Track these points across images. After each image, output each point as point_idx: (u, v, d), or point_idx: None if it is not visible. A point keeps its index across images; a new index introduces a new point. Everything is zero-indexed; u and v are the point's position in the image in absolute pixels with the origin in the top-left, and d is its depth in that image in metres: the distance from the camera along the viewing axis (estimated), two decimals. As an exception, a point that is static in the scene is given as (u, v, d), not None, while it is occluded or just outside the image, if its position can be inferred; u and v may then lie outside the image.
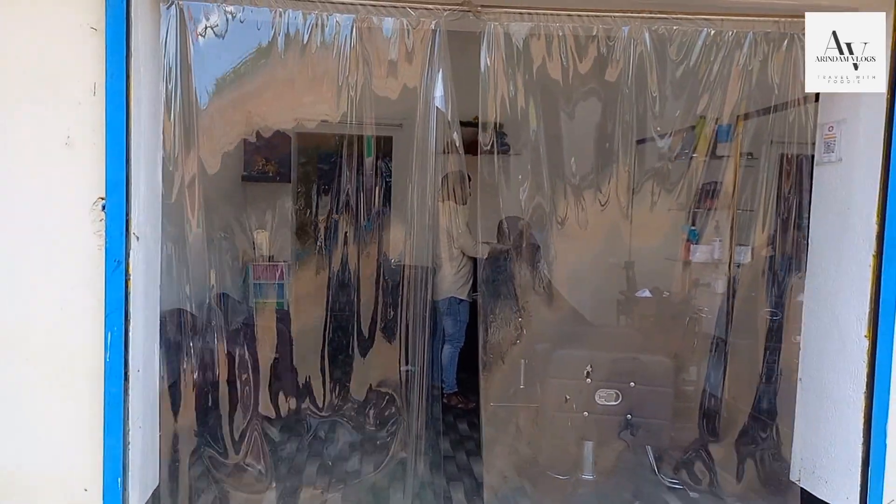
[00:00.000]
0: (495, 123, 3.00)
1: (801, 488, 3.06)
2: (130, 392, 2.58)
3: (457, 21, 2.81)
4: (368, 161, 3.92)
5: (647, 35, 2.92)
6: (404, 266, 3.32)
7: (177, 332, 3.22)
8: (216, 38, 2.86)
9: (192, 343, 3.37)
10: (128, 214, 2.52)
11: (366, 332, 3.82)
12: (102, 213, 2.50)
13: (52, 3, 2.41)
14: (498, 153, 3.06)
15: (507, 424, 3.51)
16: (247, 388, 3.88)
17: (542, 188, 3.18)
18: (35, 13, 2.41)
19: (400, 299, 3.32)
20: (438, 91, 2.88)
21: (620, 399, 3.34)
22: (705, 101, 3.12)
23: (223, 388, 3.66)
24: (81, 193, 2.49)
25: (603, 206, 3.50)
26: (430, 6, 2.74)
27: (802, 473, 3.07)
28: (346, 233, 4.16)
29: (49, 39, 2.42)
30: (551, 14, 2.81)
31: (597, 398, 3.34)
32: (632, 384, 3.36)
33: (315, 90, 3.23)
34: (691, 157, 3.71)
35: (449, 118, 2.96)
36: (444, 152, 3.02)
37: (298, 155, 5.60)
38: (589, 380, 3.37)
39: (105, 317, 2.52)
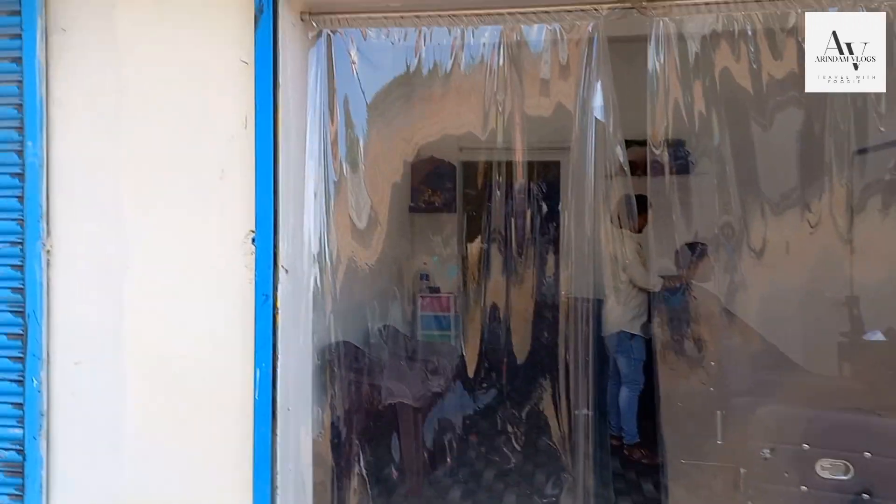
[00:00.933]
0: (667, 139, 2.57)
1: None
2: (279, 431, 2.53)
3: (618, 21, 2.45)
4: (535, 187, 3.67)
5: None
6: (568, 299, 3.00)
7: (339, 366, 3.18)
8: (366, 64, 2.81)
9: (354, 377, 3.32)
10: (276, 247, 2.50)
11: (527, 369, 3.52)
12: (252, 246, 2.50)
13: (207, 39, 2.49)
14: (673, 172, 2.62)
15: (699, 488, 2.97)
16: (406, 426, 3.76)
17: (729, 209, 2.68)
18: (192, 48, 2.51)
19: (561, 334, 3.00)
20: (598, 102, 2.54)
21: (852, 473, 2.65)
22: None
23: (383, 426, 3.56)
24: (234, 226, 2.52)
25: (813, 228, 2.87)
26: (586, 6, 2.43)
27: None
28: (510, 263, 3.95)
29: (205, 74, 2.50)
30: (735, 2, 2.35)
31: (818, 470, 2.68)
32: (867, 454, 2.66)
33: (472, 113, 3.08)
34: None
35: (611, 133, 2.61)
36: (606, 175, 2.65)
37: (464, 184, 5.50)
38: (807, 446, 2.72)
39: (255, 353, 2.50)
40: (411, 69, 2.78)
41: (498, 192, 3.71)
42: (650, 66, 2.48)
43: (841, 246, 3.04)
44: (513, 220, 3.93)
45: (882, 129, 2.59)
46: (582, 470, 2.93)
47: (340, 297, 2.96)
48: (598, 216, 2.73)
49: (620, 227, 3.41)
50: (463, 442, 3.88)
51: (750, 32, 2.47)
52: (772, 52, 2.52)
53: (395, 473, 3.51)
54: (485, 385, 4.15)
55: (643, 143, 2.67)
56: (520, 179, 3.56)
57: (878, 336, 3.18)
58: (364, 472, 3.12)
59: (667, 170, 2.63)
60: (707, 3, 2.38)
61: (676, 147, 2.78)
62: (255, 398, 2.50)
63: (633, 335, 3.98)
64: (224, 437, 2.53)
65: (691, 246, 3.24)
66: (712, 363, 3.11)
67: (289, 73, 2.51)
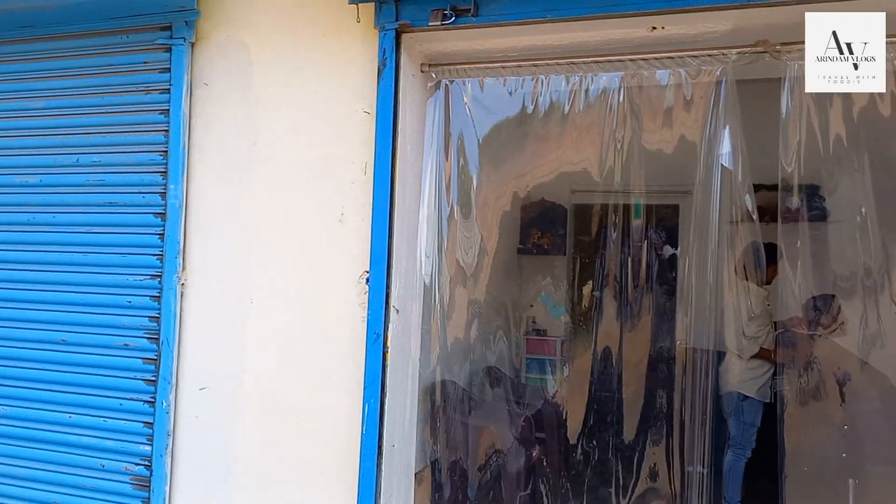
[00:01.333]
0: (800, 184, 2.41)
1: None
2: (384, 467, 2.54)
3: (748, 66, 2.35)
4: (651, 231, 3.55)
5: None
6: (685, 350, 2.85)
7: (443, 405, 3.18)
8: (481, 109, 2.86)
9: (458, 418, 3.30)
10: (388, 287, 2.55)
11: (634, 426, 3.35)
12: (366, 286, 2.57)
13: (333, 91, 2.62)
14: (806, 220, 2.44)
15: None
16: (507, 470, 3.68)
17: (869, 256, 2.46)
18: (319, 100, 2.64)
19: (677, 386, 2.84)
20: (725, 148, 2.43)
21: None
22: None
23: (484, 471, 3.51)
24: (350, 267, 2.60)
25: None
26: (714, 52, 2.34)
27: None
28: (623, 309, 3.81)
29: (330, 124, 2.63)
30: (888, 41, 2.19)
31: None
32: None
33: (587, 157, 3.04)
34: None
35: (739, 179, 2.48)
36: (731, 221, 2.52)
37: (575, 227, 5.41)
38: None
39: (364, 388, 2.55)
40: (527, 112, 2.80)
41: (613, 235, 3.61)
42: (783, 109, 2.35)
43: None
44: (628, 264, 3.81)
45: None
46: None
47: (448, 337, 2.98)
48: (722, 264, 2.59)
49: (746, 279, 3.21)
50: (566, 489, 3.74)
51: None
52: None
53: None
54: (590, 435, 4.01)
55: (773, 188, 2.53)
56: (635, 222, 3.46)
57: None
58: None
59: (802, 216, 2.46)
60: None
61: (810, 193, 2.59)
62: (362, 433, 2.54)
63: (745, 397, 3.71)
64: (331, 471, 2.59)
65: (823, 298, 3.00)
66: (845, 426, 2.84)
67: (407, 121, 2.60)
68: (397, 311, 2.60)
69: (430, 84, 2.70)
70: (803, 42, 2.27)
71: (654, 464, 3.54)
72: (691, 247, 2.61)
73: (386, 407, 2.56)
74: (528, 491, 3.62)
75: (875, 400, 2.90)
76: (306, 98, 2.65)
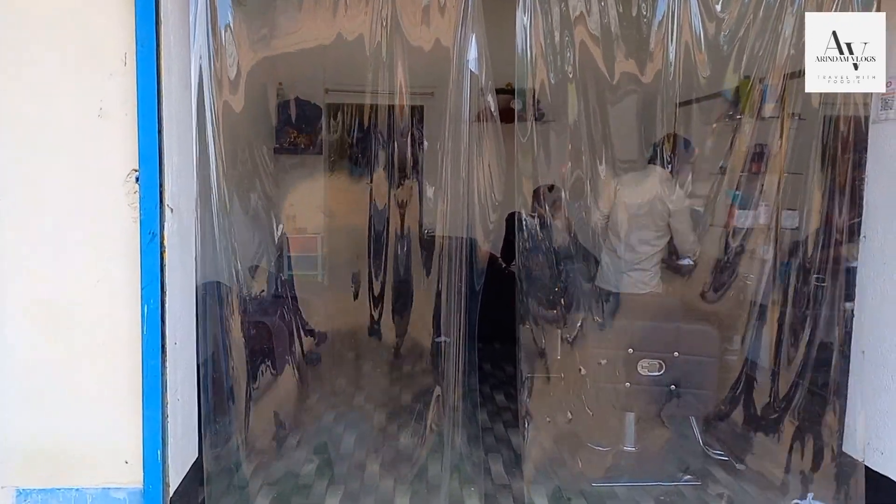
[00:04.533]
0: (533, 90, 2.87)
1: (858, 462, 2.94)
2: (168, 365, 2.58)
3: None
4: (399, 130, 3.84)
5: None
6: (440, 237, 3.26)
7: (213, 304, 3.23)
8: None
9: (227, 315, 3.37)
10: (161, 186, 2.50)
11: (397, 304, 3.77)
12: (136, 186, 2.48)
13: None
14: (535, 120, 2.94)
15: (543, 395, 3.46)
16: (283, 359, 3.92)
17: (580, 157, 3.07)
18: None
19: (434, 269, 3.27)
20: (472, 54, 2.77)
21: (664, 369, 3.26)
22: (750, 59, 2.96)
23: (260, 361, 3.69)
24: (116, 166, 2.48)
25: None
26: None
27: (862, 447, 2.95)
28: (376, 203, 4.11)
29: (83, 7, 2.39)
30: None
31: (639, 369, 3.27)
32: (676, 354, 3.27)
33: (345, 54, 3.16)
34: (738, 119, 3.54)
35: (483, 82, 2.86)
36: (478, 119, 2.92)
37: (329, 126, 5.54)
38: (631, 350, 3.29)
39: (141, 290, 2.52)
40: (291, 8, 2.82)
41: (363, 135, 3.83)
42: (518, 23, 2.75)
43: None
44: (380, 160, 4.08)
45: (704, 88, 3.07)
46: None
47: (214, 237, 3.01)
48: (472, 157, 2.98)
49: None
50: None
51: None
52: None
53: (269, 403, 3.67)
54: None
55: (509, 91, 2.95)
56: (385, 123, 3.72)
57: (688, 261, 3.84)
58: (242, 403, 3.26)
59: (531, 118, 2.93)
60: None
61: (536, 99, 3.09)
62: (143, 333, 2.53)
63: None
64: (114, 374, 2.56)
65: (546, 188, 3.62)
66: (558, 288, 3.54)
67: (169, 8, 2.47)
68: (171, 209, 2.57)
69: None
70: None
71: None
72: (445, 143, 2.95)
73: (167, 306, 2.56)
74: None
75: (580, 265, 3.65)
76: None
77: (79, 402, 2.58)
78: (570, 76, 2.93)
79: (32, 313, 2.53)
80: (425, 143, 5.02)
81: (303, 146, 5.47)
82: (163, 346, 2.57)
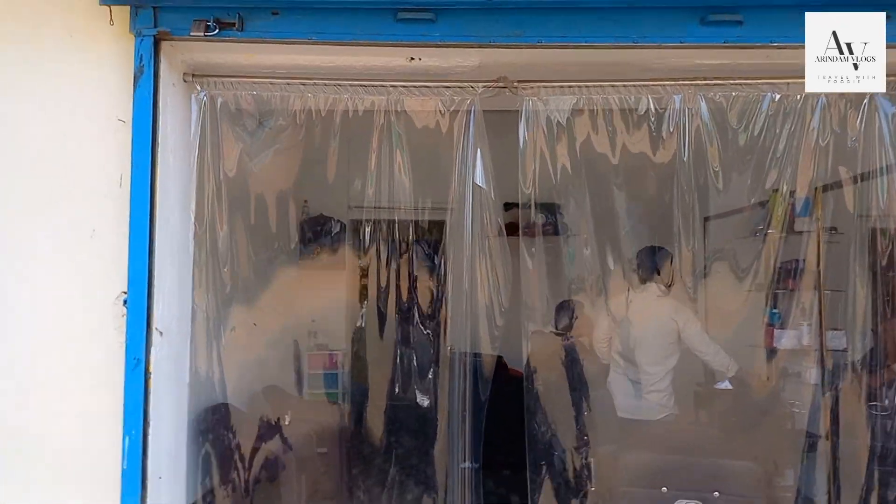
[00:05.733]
0: (537, 203, 2.78)
1: None
2: (149, 500, 2.39)
3: (493, 98, 2.66)
4: (419, 247, 3.78)
5: (702, 103, 2.67)
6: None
7: (219, 429, 3.06)
8: (253, 126, 2.85)
9: (237, 441, 3.20)
10: (150, 309, 2.41)
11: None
12: (124, 309, 2.40)
13: (79, 96, 2.42)
14: (542, 234, 2.82)
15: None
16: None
17: (593, 271, 2.91)
18: (64, 108, 2.42)
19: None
20: (479, 169, 2.73)
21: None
22: (776, 173, 2.82)
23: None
24: (105, 288, 2.41)
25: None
26: (464, 84, 2.61)
27: None
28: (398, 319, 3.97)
29: (78, 132, 2.42)
30: (594, 86, 2.62)
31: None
32: (716, 494, 2.93)
33: (358, 175, 3.16)
34: (766, 234, 3.35)
35: (492, 197, 2.79)
36: (485, 235, 2.82)
37: (352, 242, 5.53)
38: (665, 489, 2.95)
39: (124, 419, 2.37)
40: (296, 130, 2.85)
41: (388, 248, 3.78)
42: (521, 139, 2.70)
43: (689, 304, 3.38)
44: (398, 276, 3.99)
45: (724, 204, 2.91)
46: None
47: (223, 358, 2.89)
48: (476, 273, 2.86)
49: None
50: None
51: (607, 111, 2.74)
52: (627, 127, 2.80)
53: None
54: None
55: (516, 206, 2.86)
56: (408, 236, 3.66)
57: (726, 384, 3.53)
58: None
59: (537, 232, 2.82)
60: (570, 86, 2.63)
61: (546, 212, 2.99)
62: (122, 468, 2.35)
63: None
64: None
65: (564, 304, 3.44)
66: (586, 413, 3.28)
67: (168, 131, 2.48)
68: (160, 333, 2.47)
69: (193, 95, 2.62)
70: (537, 81, 2.63)
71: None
72: (450, 259, 2.84)
73: (150, 437, 2.40)
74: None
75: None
76: (50, 102, 2.42)
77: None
78: (576, 190, 2.83)
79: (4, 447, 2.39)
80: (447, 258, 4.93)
81: (324, 261, 5.44)
82: (143, 482, 2.38)
